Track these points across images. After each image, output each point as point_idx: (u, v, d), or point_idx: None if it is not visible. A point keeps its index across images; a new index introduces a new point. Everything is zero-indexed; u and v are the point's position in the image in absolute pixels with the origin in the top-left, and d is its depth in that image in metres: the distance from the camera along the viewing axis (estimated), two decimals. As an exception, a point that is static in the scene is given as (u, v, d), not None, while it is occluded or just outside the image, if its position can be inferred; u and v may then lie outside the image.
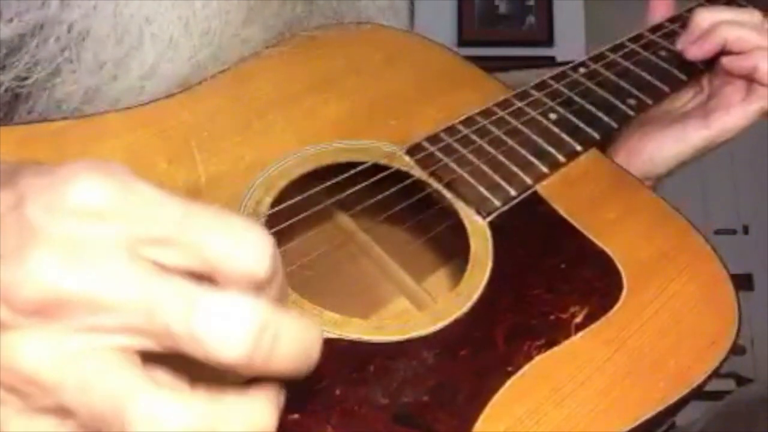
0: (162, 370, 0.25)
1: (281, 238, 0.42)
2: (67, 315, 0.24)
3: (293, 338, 0.25)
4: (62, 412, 0.24)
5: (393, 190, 0.46)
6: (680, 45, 0.56)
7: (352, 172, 0.45)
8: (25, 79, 0.44)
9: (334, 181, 0.45)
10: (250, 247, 0.25)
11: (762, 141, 1.32)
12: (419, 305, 0.48)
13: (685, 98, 0.59)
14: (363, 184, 0.45)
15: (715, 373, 0.40)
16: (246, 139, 0.47)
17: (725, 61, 0.55)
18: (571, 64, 0.55)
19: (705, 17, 0.56)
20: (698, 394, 0.40)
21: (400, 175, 0.47)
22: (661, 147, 0.56)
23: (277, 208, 0.43)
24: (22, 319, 0.24)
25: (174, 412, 0.23)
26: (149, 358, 0.25)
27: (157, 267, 0.24)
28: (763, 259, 1.44)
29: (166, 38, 0.46)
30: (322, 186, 0.45)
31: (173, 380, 0.25)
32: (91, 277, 0.24)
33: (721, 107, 0.54)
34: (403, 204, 0.46)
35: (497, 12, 1.76)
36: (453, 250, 0.53)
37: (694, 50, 0.55)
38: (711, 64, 0.57)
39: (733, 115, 0.54)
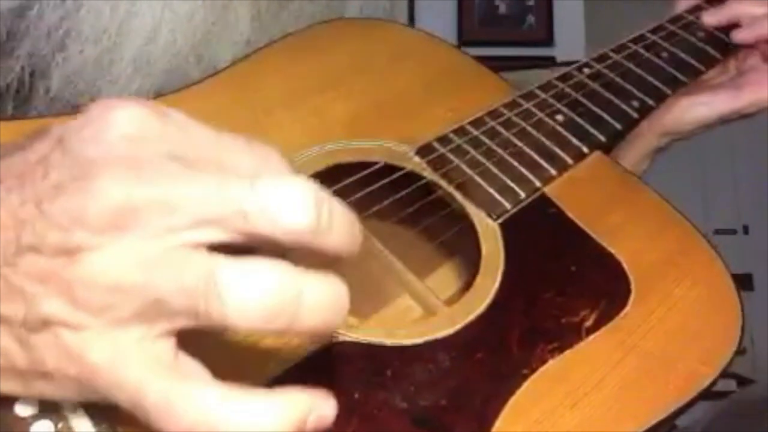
0: None
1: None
2: (140, 223, 0.25)
3: (343, 212, 0.27)
4: (149, 314, 0.25)
5: (406, 191, 0.46)
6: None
7: (365, 172, 0.45)
8: (34, 55, 0.45)
9: (345, 182, 0.45)
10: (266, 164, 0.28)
11: (762, 141, 1.34)
12: (423, 303, 0.48)
13: (712, 73, 0.62)
14: (376, 185, 0.45)
15: (721, 375, 0.41)
16: (253, 138, 0.47)
17: (734, 34, 0.59)
18: (575, 65, 0.55)
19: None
20: (705, 395, 0.41)
21: (410, 176, 0.47)
22: (690, 109, 0.60)
23: None
24: (98, 238, 0.25)
25: (263, 275, 0.25)
26: None
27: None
28: (763, 259, 1.46)
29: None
30: (335, 188, 0.45)
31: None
32: (157, 183, 0.25)
33: (751, 83, 0.59)
34: (415, 206, 0.46)
35: (497, 12, 1.77)
36: (455, 248, 0.53)
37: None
38: (712, 64, 0.58)
39: (763, 91, 0.58)
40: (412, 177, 0.47)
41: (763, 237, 1.53)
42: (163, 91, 0.48)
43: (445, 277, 0.55)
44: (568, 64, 0.56)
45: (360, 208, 0.48)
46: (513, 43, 1.73)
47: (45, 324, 0.25)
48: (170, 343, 0.26)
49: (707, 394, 0.44)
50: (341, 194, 0.45)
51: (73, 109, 0.46)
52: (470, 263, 0.54)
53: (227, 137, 0.27)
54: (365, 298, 0.51)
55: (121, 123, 0.26)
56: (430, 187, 0.47)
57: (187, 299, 0.25)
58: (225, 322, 0.25)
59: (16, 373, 0.27)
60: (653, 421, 0.38)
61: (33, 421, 0.30)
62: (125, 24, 0.46)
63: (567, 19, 1.73)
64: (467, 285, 0.52)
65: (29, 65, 0.45)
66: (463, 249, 0.53)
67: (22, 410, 0.30)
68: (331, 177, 0.46)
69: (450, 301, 0.48)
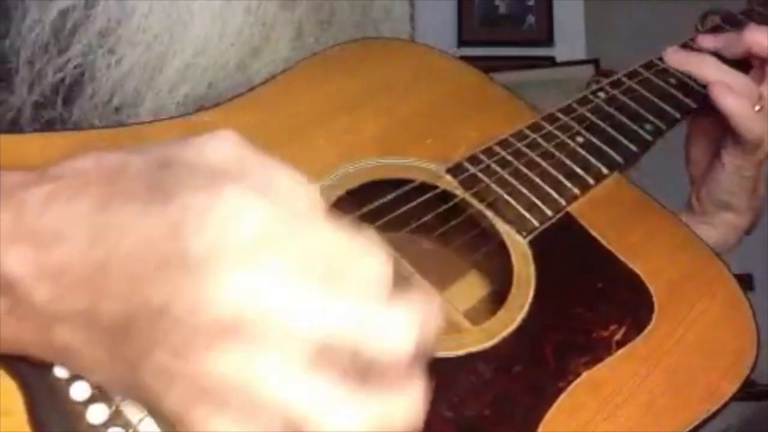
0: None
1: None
2: (253, 333, 0.26)
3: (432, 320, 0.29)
4: (252, 415, 0.26)
5: (440, 210, 0.47)
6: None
7: (401, 191, 0.47)
8: (87, 54, 0.46)
9: (383, 200, 0.46)
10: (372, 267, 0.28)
11: (761, 141, 1.36)
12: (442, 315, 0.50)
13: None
14: (410, 204, 0.47)
15: (741, 389, 0.43)
16: (287, 155, 0.47)
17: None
18: (590, 89, 0.58)
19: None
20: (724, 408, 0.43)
21: (441, 194, 0.49)
22: (722, 175, 0.58)
23: None
24: (212, 339, 0.26)
25: (359, 415, 0.27)
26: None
27: None
28: (763, 259, 1.48)
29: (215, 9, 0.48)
30: (372, 206, 0.46)
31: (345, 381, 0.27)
32: (274, 295, 0.26)
33: None
34: (449, 225, 0.48)
35: (497, 12, 1.79)
36: (474, 262, 0.55)
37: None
38: None
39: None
40: (442, 195, 0.49)
41: (763, 237, 1.55)
42: (204, 102, 0.49)
43: (463, 290, 0.56)
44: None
45: (391, 225, 0.49)
46: (513, 43, 1.75)
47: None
48: None
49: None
50: (375, 212, 0.47)
51: (116, 112, 0.47)
52: (491, 277, 0.55)
53: (344, 240, 0.28)
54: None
55: (253, 222, 0.26)
56: (459, 206, 0.49)
57: (284, 425, 0.26)
58: None
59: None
60: (680, 434, 0.40)
61: (70, 384, 0.32)
62: (178, 32, 0.47)
63: (567, 19, 1.74)
64: (491, 297, 0.54)
65: (82, 63, 0.46)
66: (481, 263, 0.55)
67: (61, 372, 0.32)
68: (363, 194, 0.47)
69: (469, 313, 0.49)
